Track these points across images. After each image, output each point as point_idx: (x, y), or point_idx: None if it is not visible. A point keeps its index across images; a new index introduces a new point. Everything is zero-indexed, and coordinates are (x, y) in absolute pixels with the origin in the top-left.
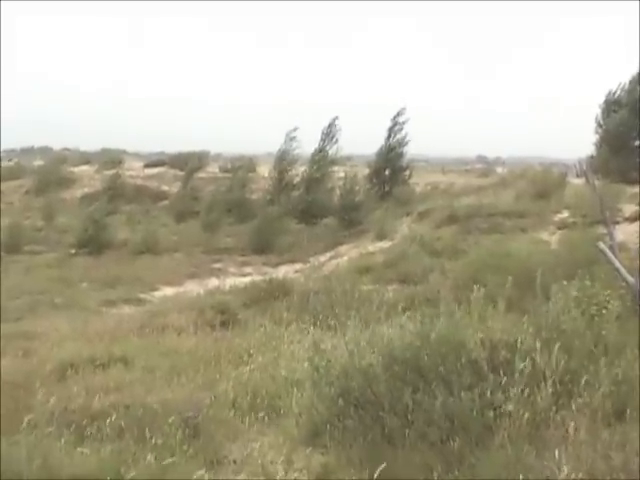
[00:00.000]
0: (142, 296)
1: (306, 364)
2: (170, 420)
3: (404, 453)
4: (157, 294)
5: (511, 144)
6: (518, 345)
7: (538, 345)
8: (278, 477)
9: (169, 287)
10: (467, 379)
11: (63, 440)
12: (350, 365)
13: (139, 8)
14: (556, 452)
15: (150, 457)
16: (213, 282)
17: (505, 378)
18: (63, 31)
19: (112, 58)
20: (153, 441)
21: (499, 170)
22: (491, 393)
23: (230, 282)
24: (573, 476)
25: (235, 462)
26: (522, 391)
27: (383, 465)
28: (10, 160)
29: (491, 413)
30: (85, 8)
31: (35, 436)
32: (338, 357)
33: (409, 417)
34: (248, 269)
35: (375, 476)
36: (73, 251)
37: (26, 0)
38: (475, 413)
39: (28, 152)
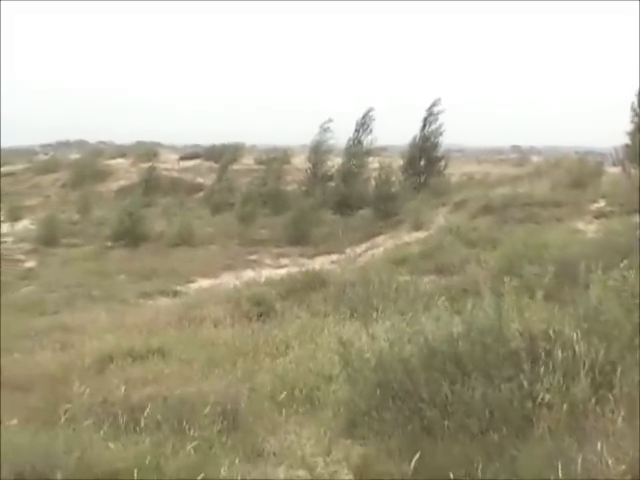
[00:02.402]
0: (178, 288)
1: (337, 358)
2: (208, 412)
3: (444, 444)
4: (193, 286)
5: (545, 133)
6: (557, 336)
7: (577, 336)
8: (318, 469)
9: (205, 279)
10: (506, 370)
11: (102, 432)
12: (388, 356)
13: (178, 4)
14: (598, 444)
15: (189, 449)
16: (249, 274)
17: (544, 369)
18: (94, 28)
19: (147, 54)
20: (192, 433)
21: (534, 159)
22: (530, 384)
23: (266, 274)
24: (616, 469)
25: (274, 454)
26: (561, 382)
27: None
28: (46, 154)
29: (530, 404)
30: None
31: (73, 429)
32: (375, 348)
33: (448, 408)
34: (284, 261)
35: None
36: (109, 244)
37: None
38: (514, 404)
39: (64, 146)
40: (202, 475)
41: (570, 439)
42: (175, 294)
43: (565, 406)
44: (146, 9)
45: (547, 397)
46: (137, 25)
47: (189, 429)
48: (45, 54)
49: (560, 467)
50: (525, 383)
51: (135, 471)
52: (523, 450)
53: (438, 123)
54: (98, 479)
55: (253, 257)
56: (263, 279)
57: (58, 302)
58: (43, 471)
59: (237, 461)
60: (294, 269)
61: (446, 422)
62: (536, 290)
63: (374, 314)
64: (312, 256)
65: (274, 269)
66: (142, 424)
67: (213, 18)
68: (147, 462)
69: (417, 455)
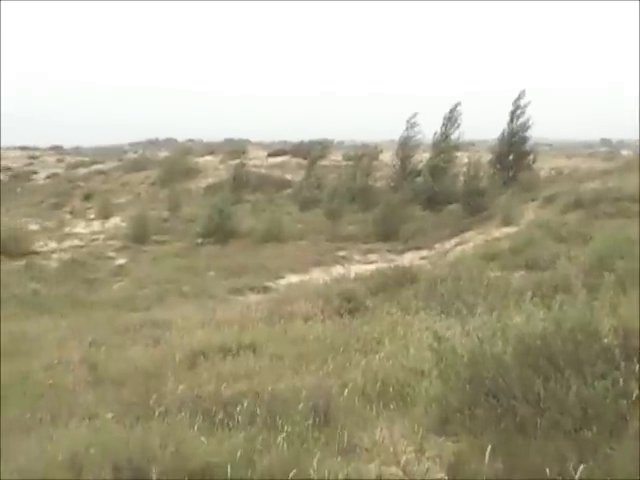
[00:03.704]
0: (268, 284)
1: (429, 354)
2: (300, 407)
3: (536, 442)
4: (282, 282)
5: (635, 126)
6: None
7: None
8: (410, 466)
9: (294, 275)
10: (600, 367)
11: (195, 427)
12: (480, 353)
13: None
14: None
15: (282, 444)
16: (338, 269)
17: (639, 366)
18: (182, 30)
19: (236, 54)
20: (284, 429)
21: (624, 153)
22: (624, 381)
23: (355, 269)
24: None
25: (366, 450)
26: None
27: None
28: (135, 152)
29: (625, 402)
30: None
31: (167, 423)
32: (467, 345)
33: (541, 405)
34: (373, 256)
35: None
36: (199, 240)
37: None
38: (608, 402)
39: (153, 144)
40: (294, 471)
41: None
42: (265, 290)
43: None
44: (233, 11)
45: None
46: (225, 27)
47: (282, 424)
48: (136, 55)
49: None
50: (619, 380)
51: (229, 466)
52: (617, 448)
53: (525, 117)
54: (193, 473)
55: (342, 253)
56: (353, 275)
57: (149, 298)
58: (139, 465)
59: (329, 456)
60: (383, 265)
61: (539, 420)
62: (628, 286)
63: (465, 310)
64: (401, 252)
65: (363, 265)
66: (235, 419)
67: (301, 20)
68: (241, 457)
69: (508, 454)
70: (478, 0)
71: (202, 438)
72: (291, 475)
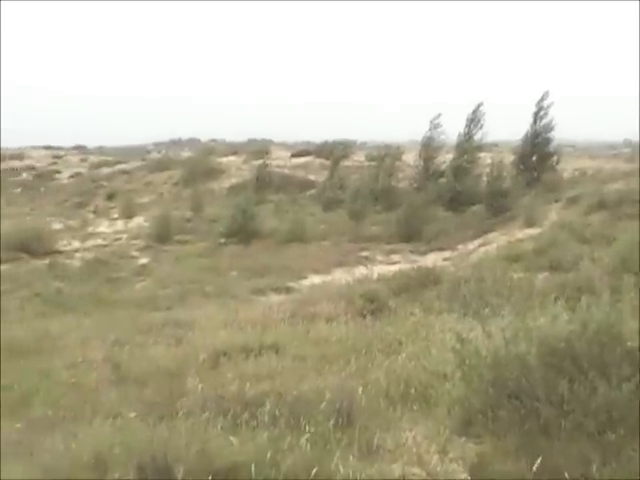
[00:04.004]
0: (290, 284)
1: (452, 355)
2: (323, 408)
3: (560, 444)
4: (305, 282)
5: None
6: None
7: None
8: (433, 467)
9: (317, 275)
10: (624, 369)
11: (220, 426)
12: (503, 355)
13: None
14: None
15: (305, 445)
16: (361, 270)
17: None
18: (206, 38)
19: (256, 59)
20: (307, 429)
21: None
22: None
23: (378, 270)
24: None
25: (389, 451)
26: None
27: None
28: (159, 152)
29: None
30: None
31: (191, 423)
32: (490, 346)
33: (565, 407)
34: (396, 257)
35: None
36: (222, 240)
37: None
38: (633, 404)
39: (176, 144)
40: (318, 472)
41: None
42: (287, 290)
43: None
44: (234, 15)
45: None
46: (250, 33)
47: (305, 425)
48: (165, 64)
49: None
50: None
51: (253, 465)
52: None
53: (549, 118)
54: (218, 472)
55: (365, 253)
56: (375, 276)
57: (171, 298)
58: (164, 464)
59: (352, 457)
60: (406, 266)
61: (563, 421)
62: None
63: (488, 311)
64: (424, 253)
65: (386, 265)
66: (259, 419)
67: (322, 23)
68: (265, 457)
69: (539, 458)
70: (500, 0)
71: (231, 438)
72: (314, 475)
